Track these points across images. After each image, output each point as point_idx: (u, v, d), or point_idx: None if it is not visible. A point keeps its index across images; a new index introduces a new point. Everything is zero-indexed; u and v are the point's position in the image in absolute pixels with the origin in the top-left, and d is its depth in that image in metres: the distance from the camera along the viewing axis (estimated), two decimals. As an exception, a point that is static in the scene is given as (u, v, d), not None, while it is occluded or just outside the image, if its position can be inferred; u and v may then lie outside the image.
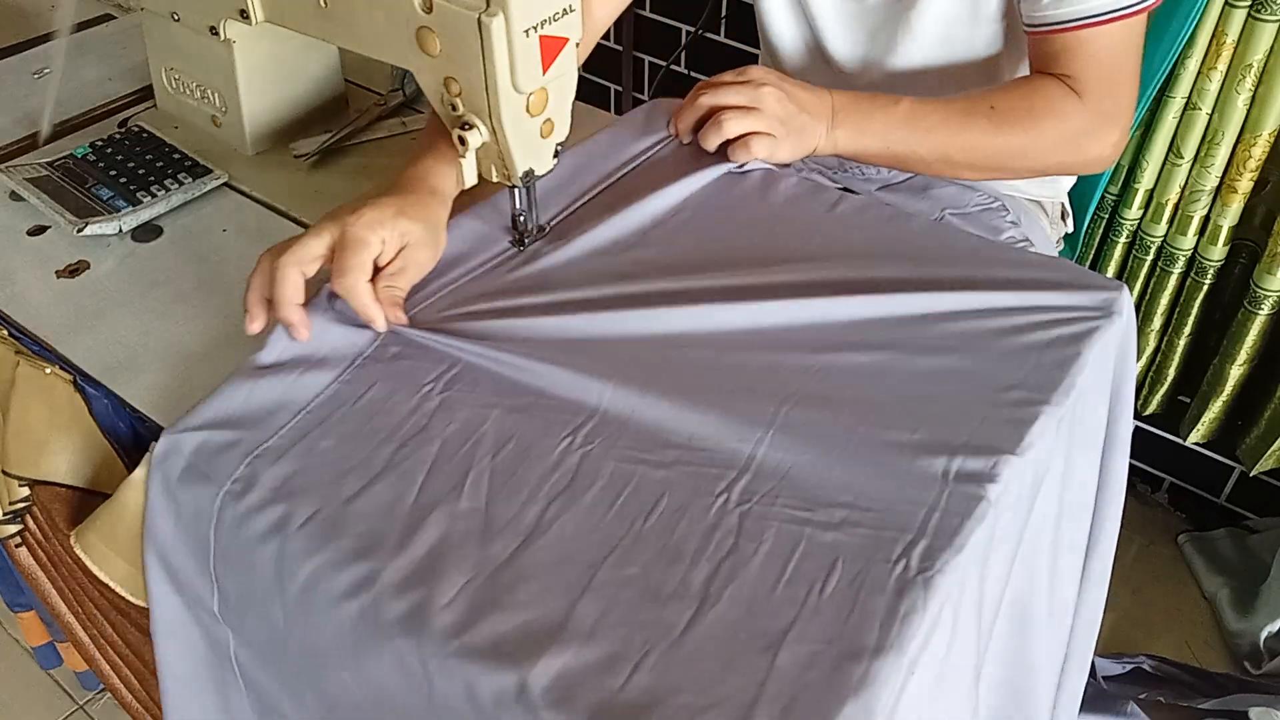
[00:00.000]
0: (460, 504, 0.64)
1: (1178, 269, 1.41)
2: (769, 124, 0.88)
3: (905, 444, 0.67)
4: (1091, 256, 1.49)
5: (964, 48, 1.02)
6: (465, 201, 0.87)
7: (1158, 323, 1.47)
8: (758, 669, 0.55)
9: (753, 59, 1.80)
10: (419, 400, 0.71)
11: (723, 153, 0.90)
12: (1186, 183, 1.35)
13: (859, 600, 0.58)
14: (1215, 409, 1.46)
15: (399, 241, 0.75)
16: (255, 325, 0.75)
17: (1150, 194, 1.39)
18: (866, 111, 0.91)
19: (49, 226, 0.93)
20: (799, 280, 0.79)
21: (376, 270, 0.75)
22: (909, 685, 0.55)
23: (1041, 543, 0.77)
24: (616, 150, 0.93)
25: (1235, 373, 1.41)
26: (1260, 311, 1.35)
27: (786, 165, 0.91)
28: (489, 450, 0.68)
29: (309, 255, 0.73)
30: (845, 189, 0.90)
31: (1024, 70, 1.03)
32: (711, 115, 0.90)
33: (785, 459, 0.66)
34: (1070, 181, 1.15)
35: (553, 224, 0.86)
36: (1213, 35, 1.23)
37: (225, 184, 0.98)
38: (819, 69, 1.10)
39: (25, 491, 0.85)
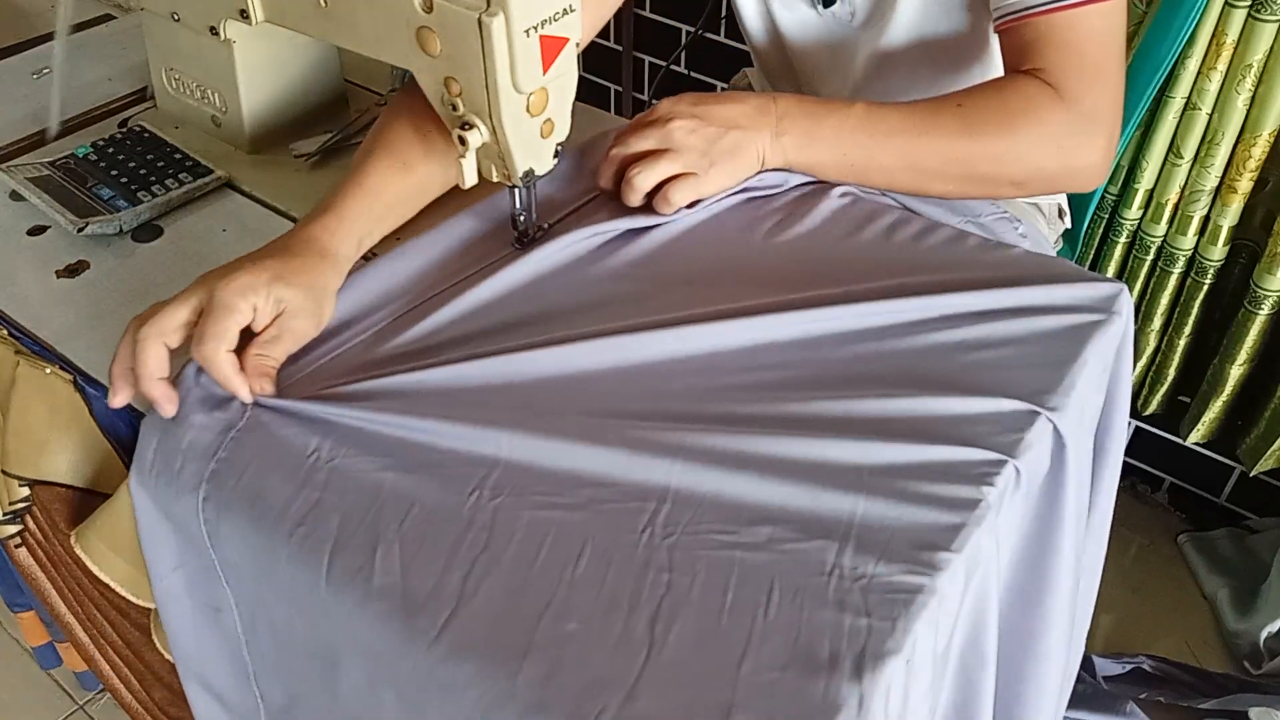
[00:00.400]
0: (374, 581, 0.61)
1: (1178, 269, 1.41)
2: (684, 162, 0.81)
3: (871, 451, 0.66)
4: (1091, 256, 1.49)
5: (943, 66, 1.01)
6: (465, 201, 0.87)
7: (1158, 323, 1.47)
8: (718, 708, 0.53)
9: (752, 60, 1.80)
10: (306, 473, 0.66)
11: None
12: (1186, 183, 1.35)
13: (803, 619, 0.57)
14: (1215, 409, 1.46)
15: (274, 308, 0.71)
16: (117, 399, 0.69)
17: (1150, 194, 1.39)
18: (816, 115, 0.83)
19: (49, 226, 0.93)
20: (732, 302, 0.76)
21: (252, 336, 0.71)
22: (873, 693, 0.54)
23: (1034, 543, 0.77)
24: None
25: (1235, 373, 1.41)
26: (1260, 311, 1.35)
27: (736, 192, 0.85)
28: (393, 518, 0.63)
29: (171, 325, 0.69)
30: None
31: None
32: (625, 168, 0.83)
33: (701, 481, 0.64)
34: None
35: (554, 225, 0.86)
36: (1213, 35, 1.23)
37: (225, 184, 0.98)
38: (792, 84, 1.11)
39: (25, 491, 0.85)
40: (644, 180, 0.81)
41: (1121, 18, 0.85)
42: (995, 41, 0.97)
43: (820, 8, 1.01)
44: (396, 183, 0.81)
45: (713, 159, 0.81)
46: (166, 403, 0.69)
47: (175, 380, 0.71)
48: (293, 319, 0.71)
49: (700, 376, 0.71)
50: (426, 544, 0.62)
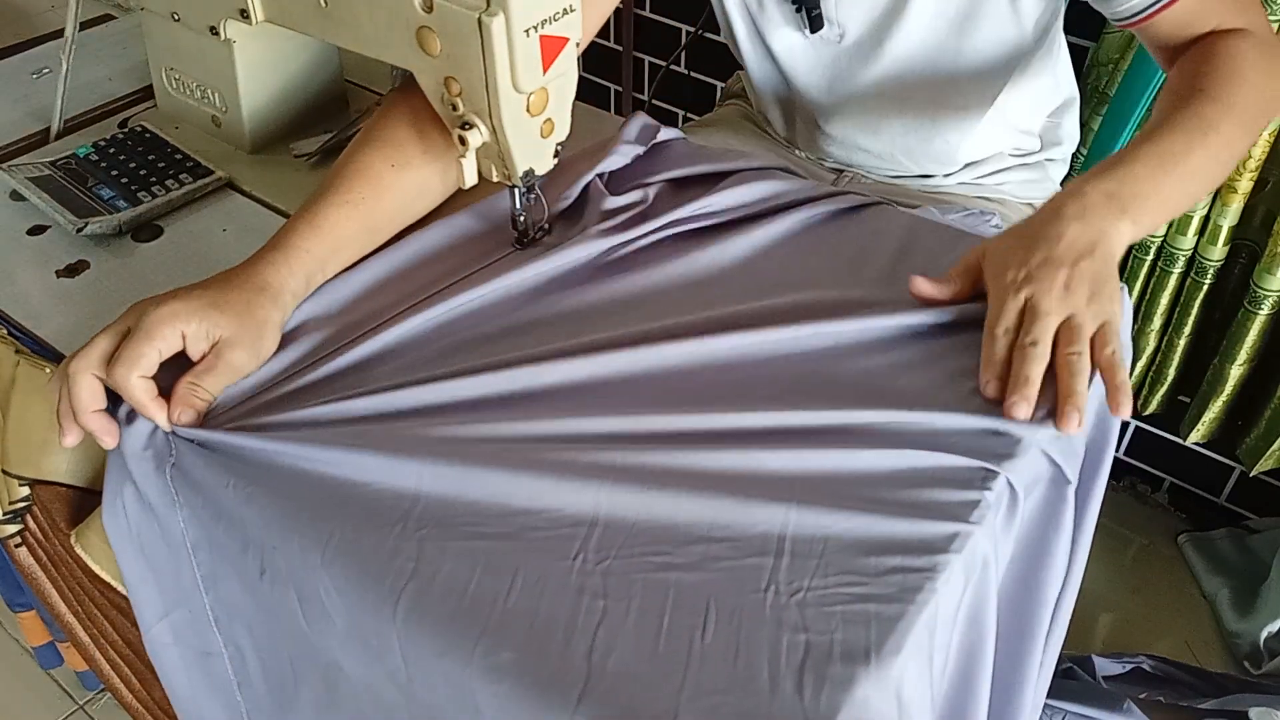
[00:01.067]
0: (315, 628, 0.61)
1: (1178, 269, 1.41)
2: (1091, 313, 0.70)
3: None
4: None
5: (954, 85, 1.01)
6: (465, 201, 0.87)
7: (1158, 323, 1.47)
8: None
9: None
10: (228, 506, 0.66)
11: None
12: (1186, 183, 1.35)
13: (741, 639, 0.56)
14: (1215, 409, 1.46)
15: (206, 338, 0.70)
16: (67, 440, 0.69)
17: (1150, 194, 1.39)
18: (1128, 181, 0.75)
19: (49, 226, 0.93)
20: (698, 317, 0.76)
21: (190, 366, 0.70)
22: (818, 712, 0.53)
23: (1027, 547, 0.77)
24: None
25: (1235, 373, 1.41)
26: (1260, 311, 1.35)
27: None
28: (317, 560, 0.62)
29: (97, 356, 0.68)
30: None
31: (1027, 84, 1.02)
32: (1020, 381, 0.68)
33: (631, 502, 0.62)
34: (1060, 174, 1.15)
35: (554, 224, 0.86)
36: (1213, 35, 1.23)
37: (225, 184, 0.98)
38: (789, 106, 1.11)
39: (25, 491, 0.85)
40: (1083, 362, 0.68)
41: None
42: (1008, 55, 0.98)
43: (807, 32, 1.01)
44: (348, 221, 0.79)
45: (1104, 290, 0.71)
46: (105, 435, 0.68)
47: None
48: (229, 350, 0.70)
49: (628, 395, 0.70)
50: (355, 582, 0.61)
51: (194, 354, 0.70)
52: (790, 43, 1.03)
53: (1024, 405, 0.66)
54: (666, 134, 0.95)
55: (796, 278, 0.80)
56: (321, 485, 0.65)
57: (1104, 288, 0.71)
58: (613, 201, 0.86)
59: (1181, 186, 0.78)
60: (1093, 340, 0.69)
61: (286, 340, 0.75)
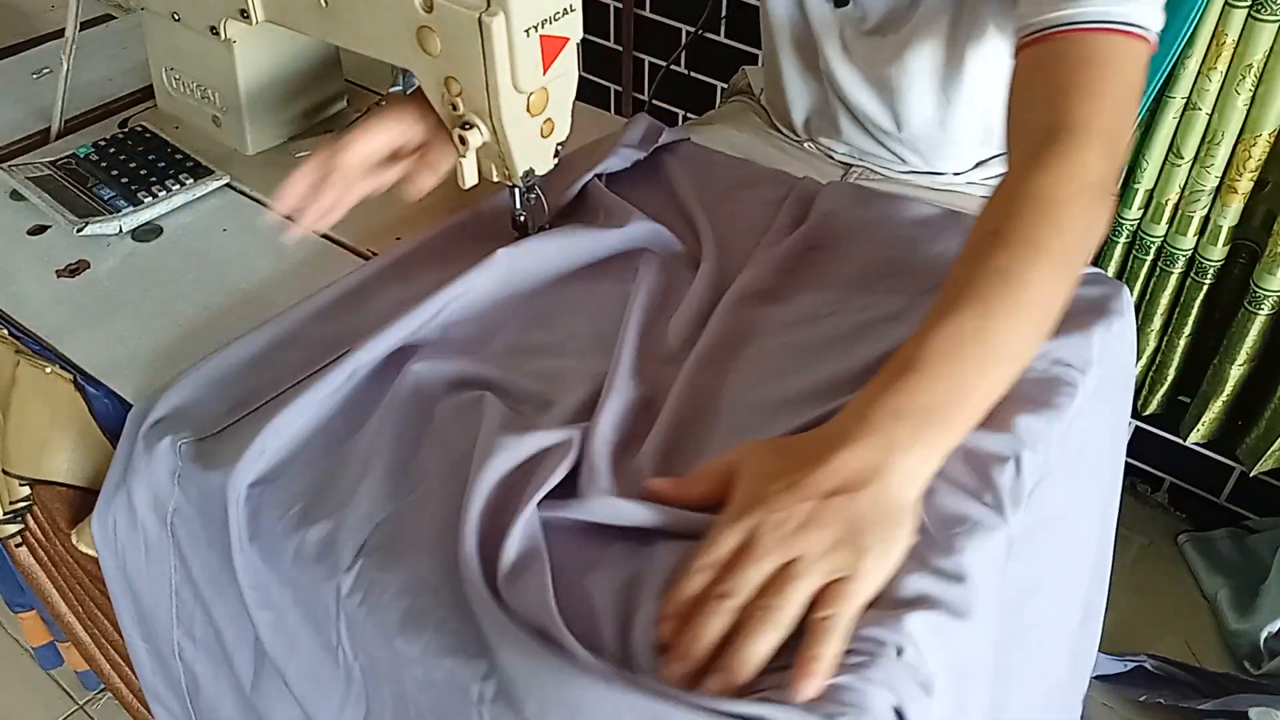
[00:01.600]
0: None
1: (1178, 269, 1.41)
2: (822, 570, 0.54)
3: None
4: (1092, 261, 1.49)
5: (974, 76, 1.00)
6: (465, 201, 0.87)
7: (1158, 323, 1.47)
8: None
9: (752, 59, 1.81)
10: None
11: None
12: (1186, 183, 1.35)
13: None
14: (1215, 409, 1.46)
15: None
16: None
17: (1150, 194, 1.39)
18: (916, 394, 0.60)
19: (49, 226, 0.93)
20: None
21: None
22: None
23: (1045, 543, 0.77)
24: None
25: (1235, 373, 1.41)
26: (1260, 311, 1.35)
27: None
28: None
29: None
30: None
31: None
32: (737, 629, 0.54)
33: None
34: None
35: (554, 223, 0.86)
36: (1213, 35, 1.23)
37: (225, 184, 0.98)
38: (814, 72, 1.10)
39: (25, 491, 0.85)
40: (787, 612, 0.53)
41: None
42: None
43: (833, 6, 1.01)
44: None
45: (857, 543, 0.55)
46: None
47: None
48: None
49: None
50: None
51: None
52: (823, 11, 1.04)
53: (679, 672, 0.52)
54: (670, 135, 0.95)
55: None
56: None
57: (863, 536, 0.54)
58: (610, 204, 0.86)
59: (986, 375, 0.62)
60: (818, 597, 0.53)
61: (288, 345, 0.75)
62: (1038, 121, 0.71)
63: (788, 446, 0.60)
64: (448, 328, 0.77)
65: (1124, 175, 1.40)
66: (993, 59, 0.98)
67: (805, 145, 1.14)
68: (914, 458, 0.58)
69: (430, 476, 0.65)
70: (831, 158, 1.12)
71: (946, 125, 1.04)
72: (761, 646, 0.52)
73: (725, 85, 1.72)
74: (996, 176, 1.09)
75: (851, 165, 1.11)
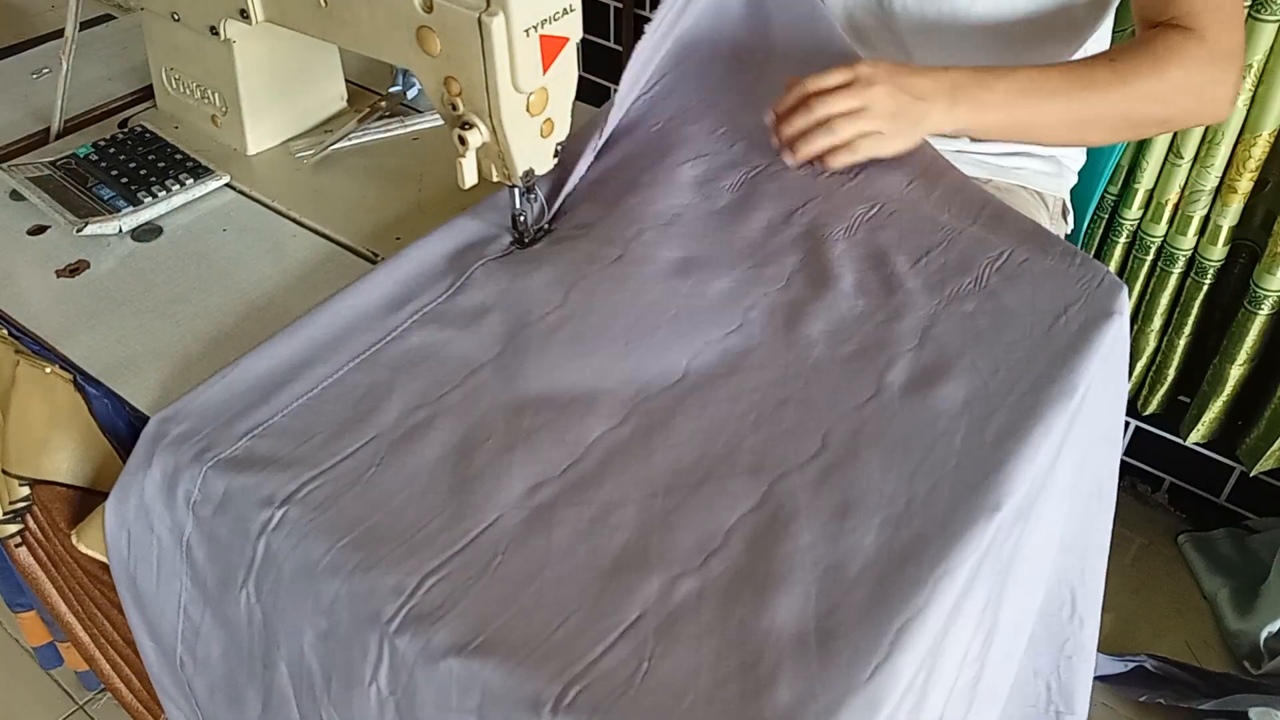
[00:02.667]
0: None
1: (1178, 269, 1.41)
2: (877, 122, 0.87)
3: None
4: (1091, 256, 1.49)
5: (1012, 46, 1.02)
6: (465, 201, 0.87)
7: (1158, 323, 1.47)
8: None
9: (753, 59, 1.79)
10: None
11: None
12: (1186, 183, 1.35)
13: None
14: (1215, 409, 1.46)
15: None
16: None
17: (1150, 194, 1.39)
18: (986, 84, 0.89)
19: (49, 226, 0.93)
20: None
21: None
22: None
23: (1041, 542, 0.77)
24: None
25: (1235, 373, 1.41)
26: (1260, 311, 1.35)
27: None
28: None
29: None
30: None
31: (1104, 21, 1.02)
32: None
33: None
34: (1073, 178, 1.15)
35: (552, 225, 0.86)
36: (1212, 35, 1.23)
37: (225, 184, 0.98)
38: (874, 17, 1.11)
39: (25, 491, 0.85)
40: (847, 129, 0.87)
41: None
42: (1072, 17, 0.99)
43: None
44: None
45: (899, 125, 0.88)
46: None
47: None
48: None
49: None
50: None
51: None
52: None
53: (775, 144, 0.91)
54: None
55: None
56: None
57: (903, 121, 0.87)
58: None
59: (1031, 119, 0.90)
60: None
61: (313, 361, 0.75)
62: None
63: (899, 67, 0.88)
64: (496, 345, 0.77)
65: (1124, 175, 1.40)
66: (1032, 25, 1.00)
67: None
68: (957, 113, 0.88)
69: (489, 508, 0.65)
70: None
71: None
72: (815, 146, 0.88)
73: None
74: (1009, 156, 1.09)
75: None
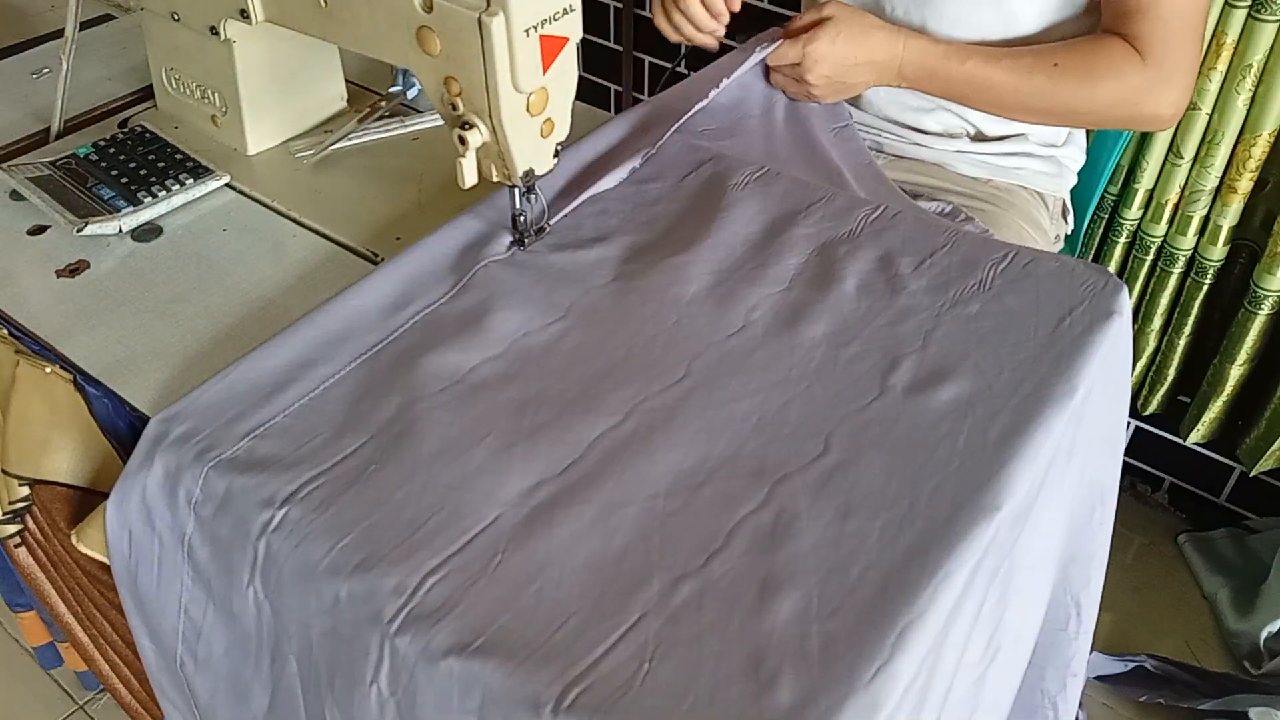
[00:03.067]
0: None
1: (1178, 269, 1.41)
2: (813, 80, 0.98)
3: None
4: (1091, 256, 1.49)
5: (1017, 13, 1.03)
6: (465, 201, 0.87)
7: (1158, 323, 1.47)
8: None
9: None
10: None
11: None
12: (1186, 183, 1.35)
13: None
14: (1215, 409, 1.46)
15: None
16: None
17: (1150, 194, 1.39)
18: (931, 69, 0.98)
19: (49, 226, 0.93)
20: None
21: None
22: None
23: (1042, 544, 0.77)
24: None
25: (1235, 373, 1.41)
26: (1260, 311, 1.35)
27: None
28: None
29: None
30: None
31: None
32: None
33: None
34: (1073, 179, 1.15)
35: (553, 224, 0.86)
36: (1213, 35, 1.23)
37: (225, 184, 0.98)
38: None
39: (25, 491, 0.85)
40: (782, 85, 1.02)
41: None
42: (1065, 34, 1.01)
43: None
44: None
45: (833, 89, 1.00)
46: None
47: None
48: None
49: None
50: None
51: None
52: None
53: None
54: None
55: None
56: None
57: (837, 88, 1.00)
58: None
59: (963, 104, 1.02)
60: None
61: (316, 361, 0.75)
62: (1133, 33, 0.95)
63: (864, 25, 0.97)
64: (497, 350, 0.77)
65: (1124, 175, 1.40)
66: (1029, 20, 1.01)
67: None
68: (889, 83, 1.00)
69: (489, 507, 0.65)
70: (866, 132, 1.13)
71: None
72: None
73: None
74: (1008, 155, 1.09)
75: (878, 140, 1.12)
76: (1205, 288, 1.39)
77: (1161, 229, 1.40)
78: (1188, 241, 1.38)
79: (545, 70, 0.74)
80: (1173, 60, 0.95)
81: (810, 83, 0.99)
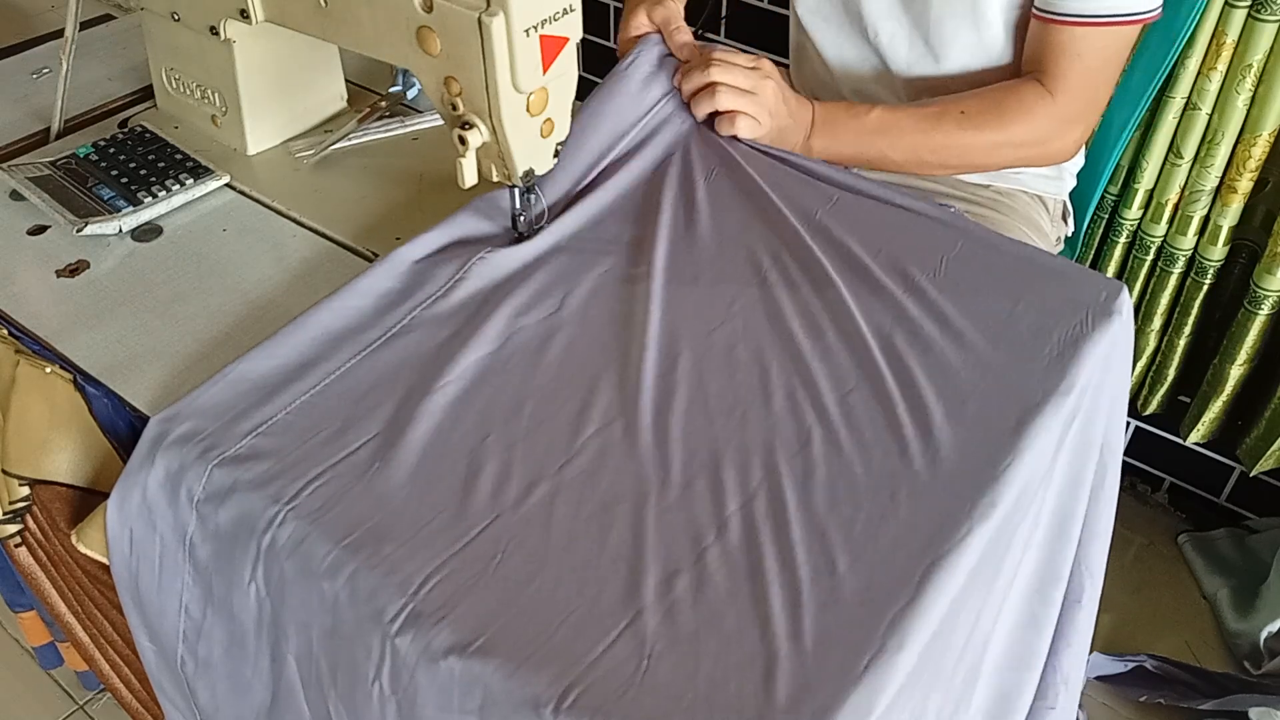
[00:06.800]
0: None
1: (1178, 269, 1.41)
2: (759, 111, 0.93)
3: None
4: (1091, 256, 1.49)
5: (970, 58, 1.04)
6: (464, 201, 0.87)
7: (1158, 323, 1.47)
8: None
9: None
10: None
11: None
12: (1186, 183, 1.35)
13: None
14: (1215, 409, 1.46)
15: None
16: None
17: (1150, 194, 1.39)
18: (841, 121, 0.98)
19: (49, 226, 0.93)
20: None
21: None
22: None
23: (1040, 543, 0.77)
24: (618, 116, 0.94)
25: (1235, 373, 1.41)
26: (1260, 311, 1.35)
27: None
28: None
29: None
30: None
31: None
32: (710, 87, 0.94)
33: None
34: (1072, 181, 1.15)
35: (553, 222, 0.86)
36: (1213, 35, 1.23)
37: (225, 184, 0.98)
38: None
39: (25, 491, 0.85)
40: (729, 101, 0.93)
41: (1132, 38, 0.97)
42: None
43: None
44: None
45: (774, 127, 0.95)
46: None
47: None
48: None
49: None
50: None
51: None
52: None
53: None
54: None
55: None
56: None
57: (776, 114, 0.95)
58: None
59: (878, 156, 0.99)
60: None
61: (317, 359, 0.75)
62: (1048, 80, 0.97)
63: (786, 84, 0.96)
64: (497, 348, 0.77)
65: (1124, 175, 1.40)
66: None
67: None
68: (812, 143, 0.98)
69: (488, 506, 0.65)
70: None
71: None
72: (702, 108, 0.94)
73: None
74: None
75: None
76: (1205, 288, 1.39)
77: (1161, 229, 1.40)
78: (1188, 241, 1.38)
79: (545, 70, 0.74)
80: (1077, 105, 0.97)
81: (758, 101, 0.93)
